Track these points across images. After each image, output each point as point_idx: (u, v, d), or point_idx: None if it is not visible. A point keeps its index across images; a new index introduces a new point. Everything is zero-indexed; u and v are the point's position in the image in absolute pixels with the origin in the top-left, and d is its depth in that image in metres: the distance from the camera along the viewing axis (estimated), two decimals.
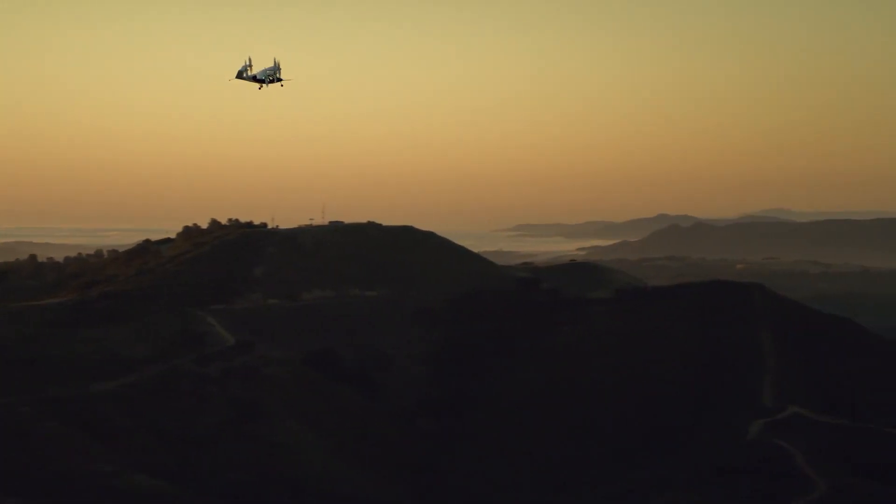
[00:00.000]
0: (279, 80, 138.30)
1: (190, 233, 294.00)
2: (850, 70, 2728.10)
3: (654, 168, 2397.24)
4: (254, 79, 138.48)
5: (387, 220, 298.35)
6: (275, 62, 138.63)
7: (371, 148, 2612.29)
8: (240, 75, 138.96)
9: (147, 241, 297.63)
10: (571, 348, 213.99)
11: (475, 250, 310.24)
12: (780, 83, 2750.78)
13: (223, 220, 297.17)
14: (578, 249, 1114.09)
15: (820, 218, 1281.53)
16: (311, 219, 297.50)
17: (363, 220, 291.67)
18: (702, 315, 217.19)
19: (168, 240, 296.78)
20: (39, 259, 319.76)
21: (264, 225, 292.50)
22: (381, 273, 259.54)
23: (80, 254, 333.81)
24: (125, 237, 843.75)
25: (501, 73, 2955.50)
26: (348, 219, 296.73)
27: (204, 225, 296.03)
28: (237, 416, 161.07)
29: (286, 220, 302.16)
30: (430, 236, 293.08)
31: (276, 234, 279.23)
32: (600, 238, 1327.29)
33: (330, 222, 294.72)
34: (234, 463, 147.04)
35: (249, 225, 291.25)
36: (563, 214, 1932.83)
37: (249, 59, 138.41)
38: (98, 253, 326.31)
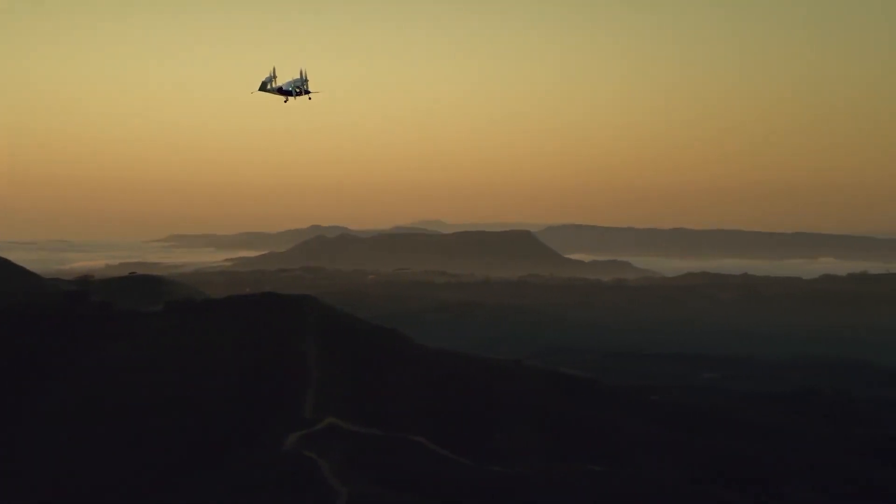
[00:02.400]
0: (307, 92, 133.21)
1: None
2: (510, 94, 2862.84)
3: (309, 179, 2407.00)
4: (279, 90, 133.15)
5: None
6: (302, 73, 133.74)
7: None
8: (263, 87, 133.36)
9: None
10: (118, 364, 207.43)
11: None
12: (440, 99, 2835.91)
13: None
14: (226, 260, 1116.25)
15: (464, 230, 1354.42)
16: None
17: None
18: (250, 328, 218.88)
19: None
20: None
21: None
22: None
23: None
24: None
25: (139, 78, 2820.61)
26: None
27: None
28: None
29: None
30: None
31: None
32: (250, 249, 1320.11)
33: None
34: None
35: None
36: (217, 225, 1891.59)
37: (274, 70, 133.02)
38: None
